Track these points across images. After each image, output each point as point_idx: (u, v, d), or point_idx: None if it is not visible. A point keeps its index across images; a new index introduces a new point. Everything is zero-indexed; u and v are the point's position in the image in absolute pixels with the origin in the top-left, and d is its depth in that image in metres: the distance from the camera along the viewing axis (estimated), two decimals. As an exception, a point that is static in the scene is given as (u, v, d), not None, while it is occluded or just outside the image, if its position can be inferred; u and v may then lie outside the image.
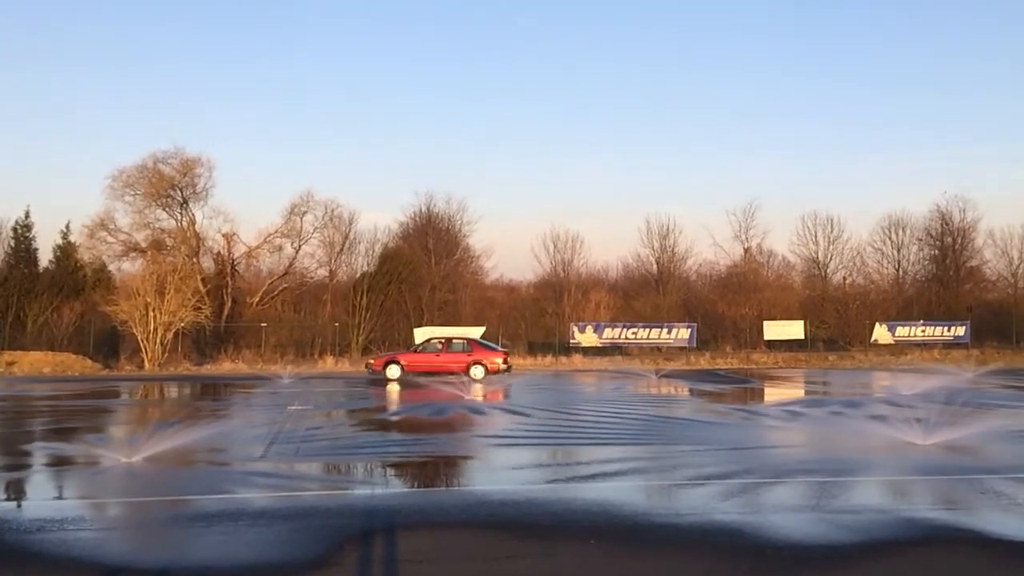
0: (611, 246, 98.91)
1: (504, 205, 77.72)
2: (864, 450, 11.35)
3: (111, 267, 43.79)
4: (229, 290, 43.35)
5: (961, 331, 42.14)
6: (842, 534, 7.01)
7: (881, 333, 42.17)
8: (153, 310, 33.87)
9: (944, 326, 42.58)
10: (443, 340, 29.70)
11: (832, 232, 51.18)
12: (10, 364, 32.87)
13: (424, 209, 50.05)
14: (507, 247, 68.83)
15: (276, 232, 45.09)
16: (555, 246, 50.83)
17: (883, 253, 50.59)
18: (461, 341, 29.88)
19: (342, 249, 46.42)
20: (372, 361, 29.62)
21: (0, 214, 43.86)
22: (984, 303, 47.73)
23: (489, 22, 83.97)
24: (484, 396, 20.71)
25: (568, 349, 40.13)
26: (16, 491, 9.81)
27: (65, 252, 42.84)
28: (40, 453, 12.39)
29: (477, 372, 27.71)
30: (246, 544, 6.79)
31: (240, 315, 42.63)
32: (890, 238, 50.28)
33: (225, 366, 35.51)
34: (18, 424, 16.11)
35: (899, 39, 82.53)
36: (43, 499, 9.35)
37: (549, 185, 78.75)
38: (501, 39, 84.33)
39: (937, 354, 38.73)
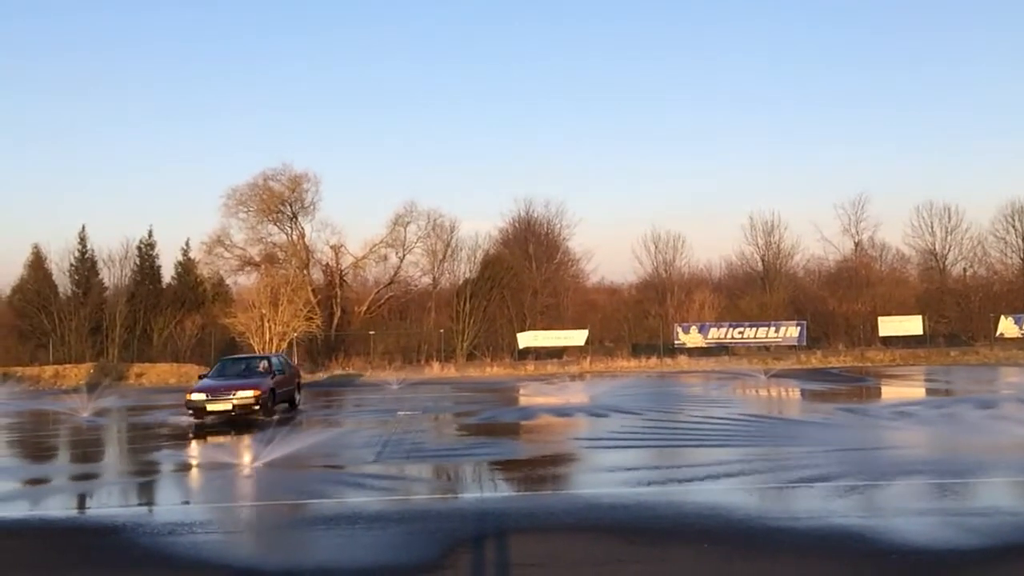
0: (713, 245, 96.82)
1: (603, 207, 77.37)
2: (991, 450, 10.79)
3: (228, 281, 45.96)
4: (338, 300, 44.66)
5: (1097, 322, 39.46)
6: (972, 538, 6.70)
7: (1007, 326, 39.83)
8: (268, 321, 35.25)
9: (1078, 317, 39.95)
10: (257, 357, 22.31)
11: (950, 222, 48.79)
12: (139, 376, 34.85)
13: (523, 214, 50.34)
14: (607, 249, 68.53)
15: (381, 242, 46.25)
16: (656, 247, 50.14)
17: (1006, 242, 47.84)
18: (278, 358, 21.90)
19: (444, 257, 47.22)
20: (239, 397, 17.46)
21: (126, 234, 46.51)
22: (1121, 291, 44.58)
23: (582, 23, 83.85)
24: (590, 398, 20.62)
25: (673, 350, 39.56)
26: (147, 496, 10.38)
27: (186, 268, 45.22)
28: (167, 459, 13.03)
29: None
30: (364, 547, 6.99)
31: (349, 324, 43.87)
32: (1014, 226, 47.50)
33: (336, 373, 36.57)
34: (148, 432, 17.00)
35: (1013, 18, 78.11)
36: (172, 503, 9.86)
37: (648, 185, 77.91)
38: (596, 40, 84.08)
39: (1071, 348, 36.41)
